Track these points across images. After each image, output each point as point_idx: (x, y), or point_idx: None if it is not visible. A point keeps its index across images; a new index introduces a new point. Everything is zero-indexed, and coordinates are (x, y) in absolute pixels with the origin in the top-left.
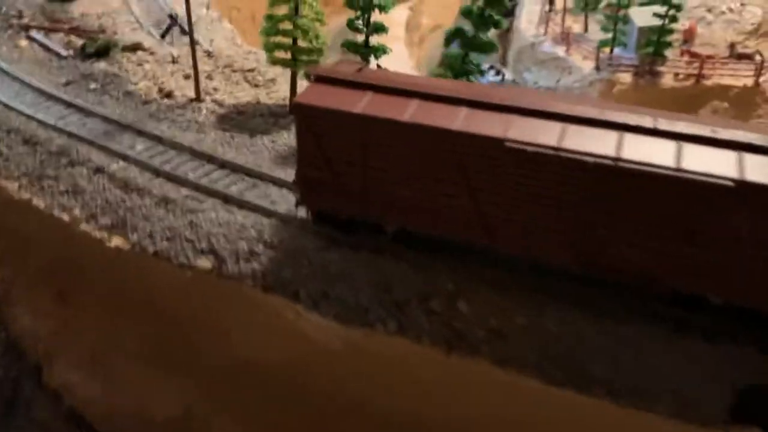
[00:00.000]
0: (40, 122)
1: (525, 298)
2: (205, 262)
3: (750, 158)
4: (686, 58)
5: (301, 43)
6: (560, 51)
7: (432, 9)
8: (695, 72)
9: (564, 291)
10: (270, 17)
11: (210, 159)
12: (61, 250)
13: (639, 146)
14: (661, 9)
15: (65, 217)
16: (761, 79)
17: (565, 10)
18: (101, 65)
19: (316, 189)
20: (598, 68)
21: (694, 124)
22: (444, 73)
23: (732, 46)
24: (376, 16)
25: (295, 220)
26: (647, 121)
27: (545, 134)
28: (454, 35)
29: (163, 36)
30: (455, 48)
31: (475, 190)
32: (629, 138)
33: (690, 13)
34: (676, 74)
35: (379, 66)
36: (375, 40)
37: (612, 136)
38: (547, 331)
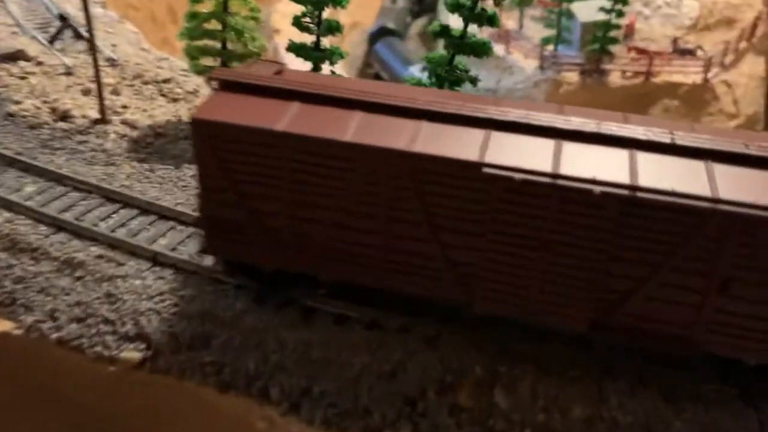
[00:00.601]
0: None
1: (578, 381)
2: (132, 353)
3: None
4: (634, 54)
5: (233, 46)
6: (499, 50)
7: (351, 7)
8: (643, 69)
9: (620, 367)
10: (193, 16)
11: (126, 202)
12: None
13: (654, 169)
14: (606, 3)
15: None
16: (709, 75)
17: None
18: None
19: (227, 232)
20: (542, 67)
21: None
22: (426, 81)
23: (675, 41)
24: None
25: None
26: (656, 134)
27: (535, 156)
28: (439, 34)
29: (52, 41)
30: (439, 50)
31: (441, 230)
32: (642, 158)
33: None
34: (624, 72)
35: (333, 72)
36: (328, 41)
37: (621, 155)
38: (615, 424)
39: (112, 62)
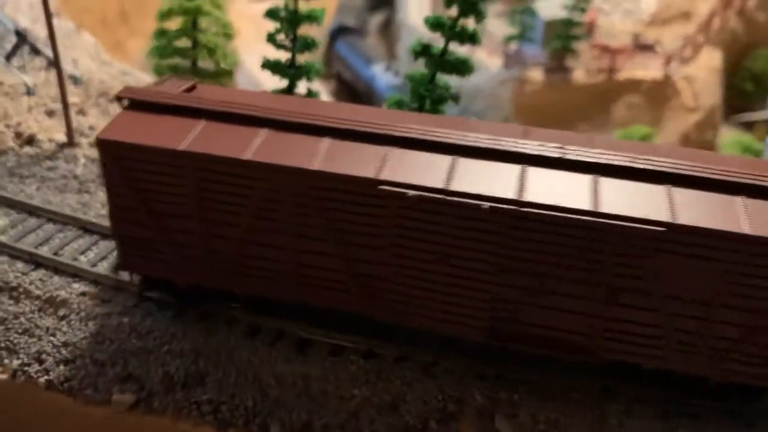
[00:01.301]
0: None
1: (578, 404)
2: (125, 396)
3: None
4: (597, 51)
5: (205, 64)
6: (463, 49)
7: (306, 4)
8: (606, 66)
9: (618, 388)
10: (161, 33)
11: (104, 233)
12: None
13: (545, 183)
14: (568, 0)
15: None
16: (669, 70)
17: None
18: None
19: (140, 249)
20: (507, 66)
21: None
22: (408, 100)
23: (635, 37)
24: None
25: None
26: (552, 150)
27: (431, 172)
28: (420, 52)
29: (8, 58)
30: (420, 68)
31: (346, 245)
32: (533, 172)
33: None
34: (588, 69)
35: (310, 90)
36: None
37: (512, 170)
38: None
39: (75, 80)
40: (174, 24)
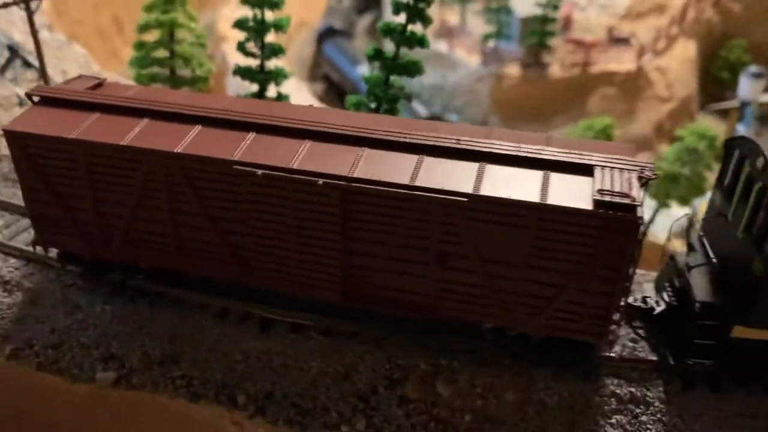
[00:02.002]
0: None
1: (510, 369)
2: (107, 374)
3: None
4: (571, 46)
5: (182, 72)
6: (443, 46)
7: (294, 7)
8: (581, 60)
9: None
10: (140, 45)
11: None
12: None
13: (380, 162)
14: None
15: None
16: (643, 62)
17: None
18: None
19: (52, 226)
20: (485, 63)
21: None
22: (366, 100)
23: (610, 30)
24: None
25: (212, 309)
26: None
27: (283, 155)
28: (373, 57)
29: (2, 71)
30: (375, 71)
31: (217, 220)
32: (370, 154)
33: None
34: (563, 64)
35: (279, 94)
36: (272, 63)
37: (354, 152)
38: (543, 405)
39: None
40: (152, 36)
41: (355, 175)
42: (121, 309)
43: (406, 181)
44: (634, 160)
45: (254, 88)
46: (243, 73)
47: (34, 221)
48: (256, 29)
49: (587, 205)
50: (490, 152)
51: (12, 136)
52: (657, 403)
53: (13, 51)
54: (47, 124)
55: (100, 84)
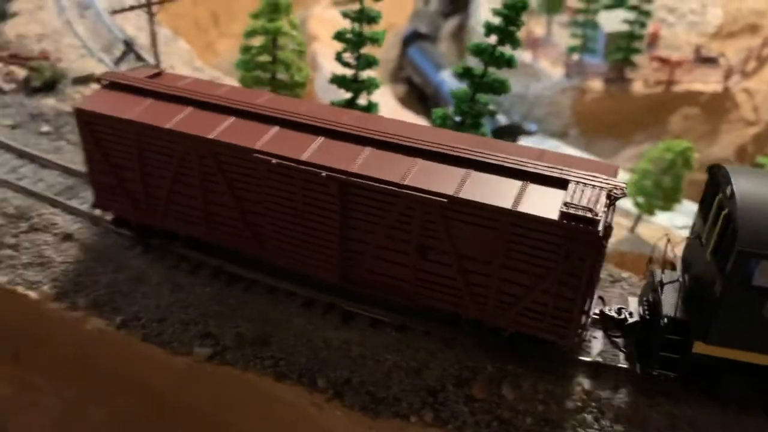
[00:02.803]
0: None
1: (570, 379)
2: (203, 349)
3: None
4: (656, 64)
5: (282, 76)
6: (527, 56)
7: (385, 9)
8: (665, 78)
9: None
10: (246, 49)
11: None
12: (22, 320)
13: (380, 162)
14: (629, 15)
15: (32, 295)
16: (730, 83)
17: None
18: (50, 102)
19: (108, 193)
20: (568, 75)
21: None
22: (451, 114)
23: (697, 49)
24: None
25: (300, 298)
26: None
27: (297, 147)
28: (462, 75)
29: (117, 63)
30: (463, 86)
31: (240, 200)
32: (374, 154)
33: (652, 15)
34: (646, 81)
35: (370, 102)
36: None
37: (362, 150)
38: (601, 413)
39: None
40: (257, 41)
41: (354, 170)
42: (218, 292)
43: (396, 179)
44: (608, 179)
45: (346, 95)
46: (338, 81)
47: (94, 187)
48: (353, 41)
49: (553, 216)
50: (477, 160)
51: (80, 114)
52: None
53: (128, 45)
54: (109, 105)
55: (158, 74)
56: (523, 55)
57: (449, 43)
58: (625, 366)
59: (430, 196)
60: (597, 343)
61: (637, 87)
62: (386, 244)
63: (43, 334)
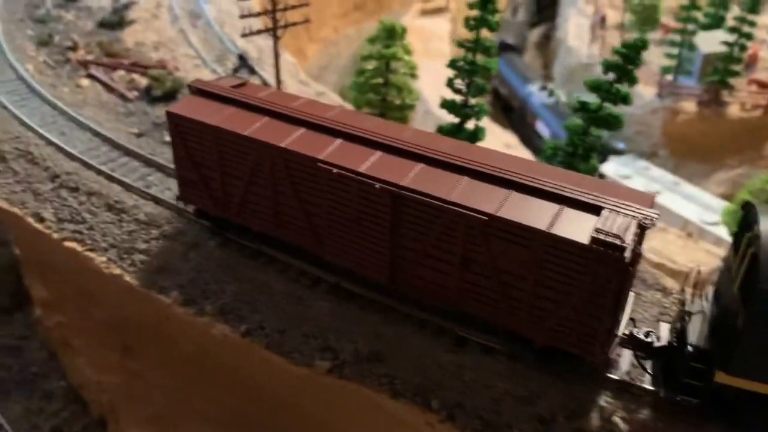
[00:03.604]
0: (122, 184)
1: (682, 415)
2: (323, 362)
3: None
4: (754, 87)
5: (393, 99)
6: None
7: (461, 14)
8: (764, 102)
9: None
10: (361, 72)
11: None
12: (144, 318)
13: (431, 178)
14: (729, 36)
15: (163, 299)
16: None
17: (622, 30)
18: None
19: (191, 188)
20: (660, 95)
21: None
22: (563, 145)
23: None
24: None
25: (414, 319)
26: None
27: (356, 160)
28: (579, 109)
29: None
30: (576, 119)
31: (303, 203)
32: (425, 170)
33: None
34: (743, 104)
35: (477, 127)
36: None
37: (414, 167)
38: None
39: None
40: (370, 64)
41: (405, 184)
42: (336, 307)
43: (443, 195)
44: (641, 209)
45: (455, 120)
46: (448, 106)
47: (179, 181)
48: (467, 69)
49: (584, 240)
50: (519, 182)
51: (171, 117)
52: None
53: (243, 59)
54: (196, 110)
55: (243, 84)
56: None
57: (534, 53)
58: (650, 388)
59: (473, 213)
60: (624, 363)
61: (733, 110)
62: (433, 253)
63: (164, 333)
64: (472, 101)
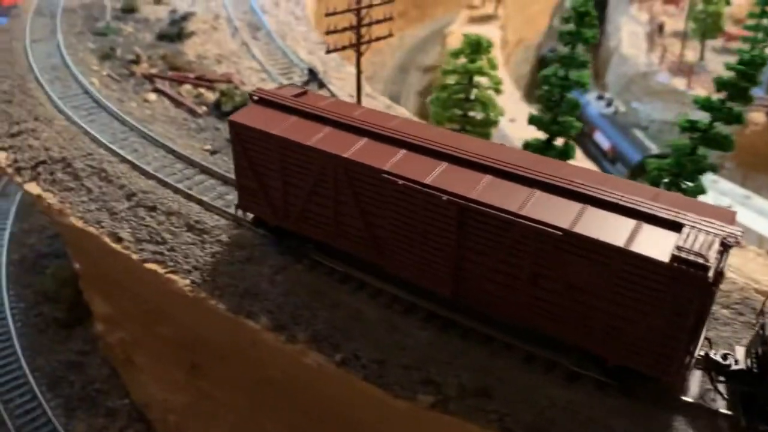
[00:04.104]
0: (201, 203)
1: None
2: (426, 397)
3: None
4: None
5: (476, 114)
6: (680, 83)
7: (516, 24)
8: None
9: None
10: (444, 87)
11: None
12: (223, 341)
13: (499, 190)
14: None
15: (252, 324)
16: None
17: (684, 38)
18: None
19: (250, 196)
20: None
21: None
22: (667, 166)
23: None
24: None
25: (520, 351)
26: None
27: (422, 171)
28: (687, 129)
29: None
30: (683, 138)
31: (365, 213)
32: (494, 182)
33: None
34: None
35: (567, 144)
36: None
37: (483, 178)
38: None
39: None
40: (451, 78)
41: (472, 196)
42: (436, 337)
43: (514, 208)
44: (724, 226)
45: (542, 136)
46: (537, 122)
47: (239, 189)
48: (559, 85)
49: (664, 258)
50: (593, 196)
51: (233, 125)
52: None
53: (313, 74)
54: (258, 119)
55: (303, 93)
56: (675, 82)
57: None
58: (727, 413)
59: (546, 228)
60: (695, 386)
61: None
62: (500, 268)
63: (250, 357)
64: (562, 117)
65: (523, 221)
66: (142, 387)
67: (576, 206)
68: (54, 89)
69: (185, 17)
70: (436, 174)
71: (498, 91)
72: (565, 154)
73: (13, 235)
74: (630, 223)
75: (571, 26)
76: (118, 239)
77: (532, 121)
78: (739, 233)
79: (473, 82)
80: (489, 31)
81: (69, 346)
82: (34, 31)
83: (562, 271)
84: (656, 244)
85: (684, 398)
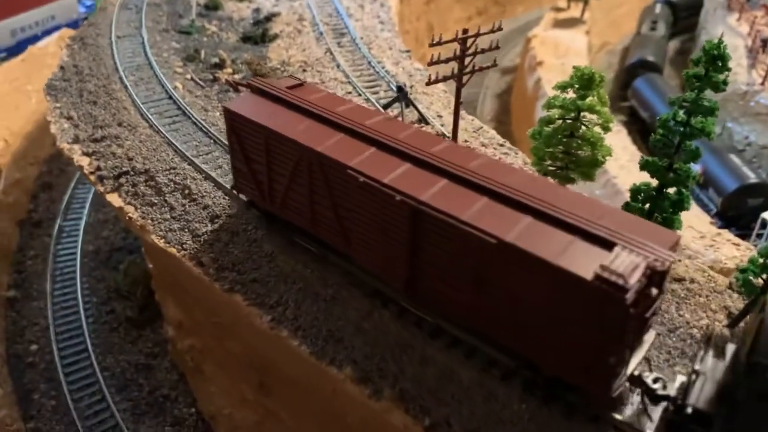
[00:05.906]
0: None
1: None
2: None
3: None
4: None
5: (581, 152)
6: None
7: (600, 27)
8: None
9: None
10: (547, 122)
11: None
12: (293, 371)
13: (448, 196)
14: None
15: (336, 373)
16: None
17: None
18: None
19: (243, 179)
20: None
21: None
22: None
23: None
24: None
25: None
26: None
27: (384, 170)
28: None
29: (385, 108)
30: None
31: (336, 205)
32: (447, 187)
33: None
34: None
35: (682, 195)
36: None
37: (438, 182)
38: None
39: (445, 136)
40: (557, 112)
41: (423, 199)
42: (537, 411)
43: (458, 214)
44: (657, 249)
45: (654, 183)
46: (649, 167)
47: (233, 172)
48: (681, 132)
49: (588, 275)
50: (539, 210)
51: (226, 112)
52: None
53: (401, 91)
54: (248, 108)
55: (300, 85)
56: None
57: (669, 71)
58: None
59: (483, 235)
60: (630, 406)
61: None
62: (448, 269)
63: (330, 405)
64: (679, 165)
65: (463, 227)
66: (209, 398)
67: (520, 217)
68: (138, 92)
69: (269, 18)
70: (396, 174)
71: (607, 129)
72: (679, 204)
73: (88, 225)
74: (567, 238)
75: (699, 69)
76: (200, 263)
77: (645, 166)
78: (671, 258)
79: (581, 118)
80: (574, 37)
81: (139, 347)
82: (119, 26)
83: (502, 279)
84: (585, 261)
85: (615, 416)
